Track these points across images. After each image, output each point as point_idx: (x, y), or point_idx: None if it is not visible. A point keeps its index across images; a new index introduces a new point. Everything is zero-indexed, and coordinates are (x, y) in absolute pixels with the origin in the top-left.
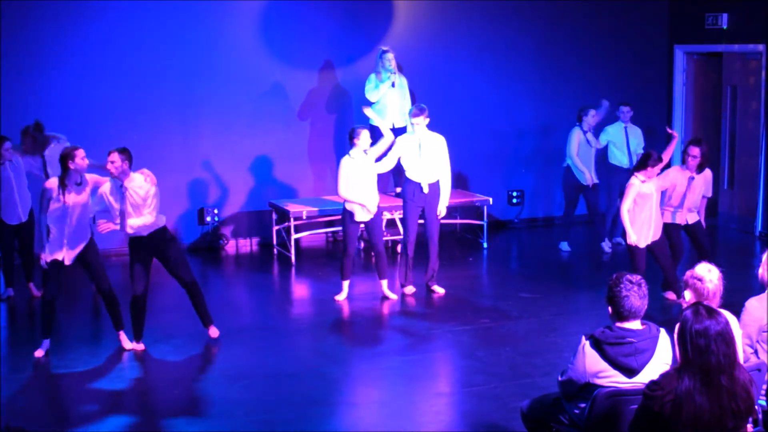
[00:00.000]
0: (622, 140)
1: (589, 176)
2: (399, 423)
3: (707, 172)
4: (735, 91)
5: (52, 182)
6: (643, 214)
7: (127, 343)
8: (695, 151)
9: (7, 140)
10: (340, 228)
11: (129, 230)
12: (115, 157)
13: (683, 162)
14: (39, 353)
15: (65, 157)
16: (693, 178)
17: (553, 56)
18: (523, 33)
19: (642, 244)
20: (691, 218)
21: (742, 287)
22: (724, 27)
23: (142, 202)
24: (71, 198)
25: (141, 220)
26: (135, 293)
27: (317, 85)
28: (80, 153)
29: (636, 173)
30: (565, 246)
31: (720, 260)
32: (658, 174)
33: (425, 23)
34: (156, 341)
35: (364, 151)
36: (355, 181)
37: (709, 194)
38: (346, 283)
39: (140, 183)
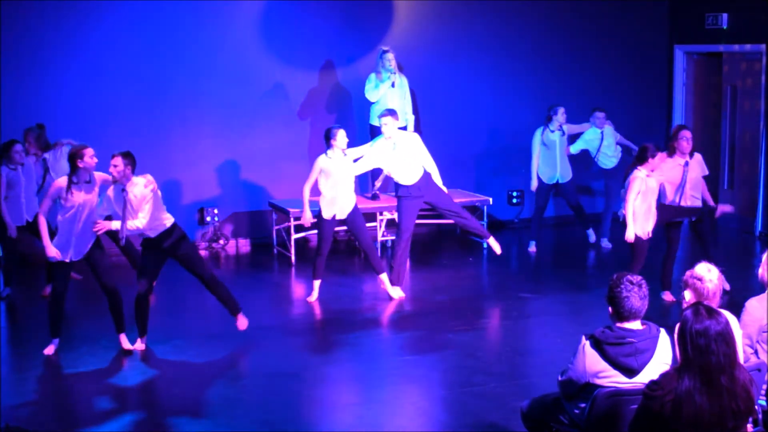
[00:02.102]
0: (597, 145)
1: (535, 182)
2: (399, 423)
3: (697, 155)
4: (735, 91)
5: (62, 181)
6: (644, 207)
7: (127, 344)
8: (688, 134)
9: (18, 143)
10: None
11: (125, 233)
12: (118, 161)
13: (670, 152)
14: (49, 350)
15: (74, 156)
16: (688, 164)
17: (552, 56)
18: (522, 33)
19: (645, 236)
20: (695, 203)
21: (742, 287)
22: (724, 27)
23: (140, 206)
24: (80, 197)
25: (134, 224)
26: (138, 291)
27: (317, 85)
28: (89, 152)
29: (639, 167)
30: (532, 246)
31: (720, 260)
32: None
33: (425, 24)
34: (156, 341)
35: (343, 151)
36: (333, 181)
37: (707, 172)
38: (317, 283)
39: (141, 188)
